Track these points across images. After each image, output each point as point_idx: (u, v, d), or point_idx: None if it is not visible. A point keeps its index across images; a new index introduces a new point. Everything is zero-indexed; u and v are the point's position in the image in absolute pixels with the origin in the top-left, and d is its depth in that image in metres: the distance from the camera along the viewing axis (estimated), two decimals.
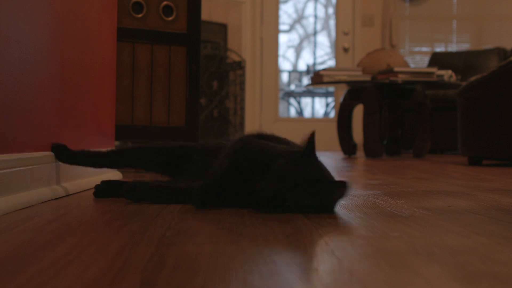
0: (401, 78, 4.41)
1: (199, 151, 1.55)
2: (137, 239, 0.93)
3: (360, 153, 5.53)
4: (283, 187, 1.23)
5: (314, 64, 7.70)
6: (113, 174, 2.10)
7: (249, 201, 1.30)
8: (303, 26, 8.09)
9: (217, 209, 1.32)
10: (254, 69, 7.00)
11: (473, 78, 3.64)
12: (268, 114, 7.08)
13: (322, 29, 7.61)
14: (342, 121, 5.00)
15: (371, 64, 4.74)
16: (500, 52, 6.19)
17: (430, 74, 4.51)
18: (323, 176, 1.26)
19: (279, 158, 1.27)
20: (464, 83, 3.86)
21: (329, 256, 0.82)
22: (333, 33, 7.35)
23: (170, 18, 2.53)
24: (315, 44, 7.67)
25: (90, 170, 1.85)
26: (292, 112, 8.76)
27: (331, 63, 7.51)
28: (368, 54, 4.90)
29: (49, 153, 1.51)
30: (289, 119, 7.90)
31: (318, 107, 8.91)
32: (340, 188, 1.25)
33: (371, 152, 4.59)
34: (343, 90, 6.26)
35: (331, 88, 7.26)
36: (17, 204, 1.26)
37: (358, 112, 6.30)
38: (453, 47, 7.08)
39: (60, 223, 1.10)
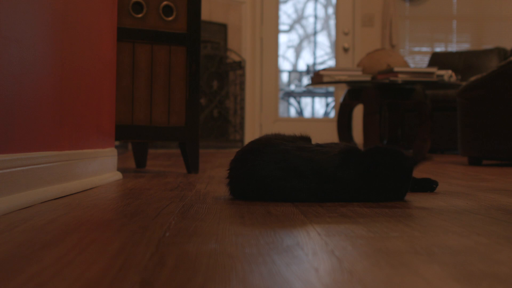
0: (401, 78, 4.41)
1: None
2: (137, 239, 0.93)
3: None
4: None
5: (314, 64, 7.70)
6: (113, 174, 2.10)
7: None
8: (303, 26, 8.09)
9: (218, 209, 1.32)
10: (254, 69, 7.00)
11: (473, 78, 3.64)
12: (268, 114, 7.08)
13: (322, 29, 7.61)
14: (342, 121, 5.00)
15: (371, 64, 4.74)
16: (500, 52, 6.18)
17: (430, 74, 4.51)
18: None
19: None
20: (464, 83, 3.86)
21: (329, 256, 0.82)
22: (333, 33, 7.35)
23: (170, 18, 2.53)
24: (315, 44, 7.67)
25: (90, 170, 1.85)
26: (292, 112, 8.76)
27: (331, 63, 7.51)
28: (368, 54, 4.90)
29: (49, 153, 1.51)
30: (289, 119, 7.90)
31: (318, 107, 8.92)
32: None
33: None
34: (343, 90, 6.26)
35: (331, 88, 7.26)
36: (17, 204, 1.26)
37: (358, 112, 6.30)
38: (453, 47, 7.08)
39: (60, 223, 1.10)
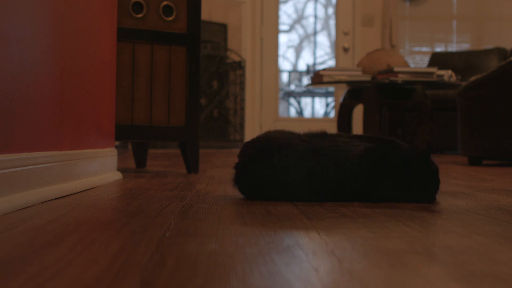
0: (401, 78, 4.41)
1: None
2: (137, 239, 0.93)
3: None
4: None
5: (314, 64, 7.70)
6: (113, 174, 2.10)
7: None
8: (303, 26, 8.09)
9: (218, 209, 1.32)
10: (254, 69, 7.00)
11: (473, 78, 3.64)
12: (268, 114, 7.08)
13: (322, 29, 7.61)
14: (342, 121, 5.00)
15: (371, 64, 4.74)
16: (500, 52, 6.18)
17: (430, 74, 4.51)
18: None
19: None
20: (464, 83, 3.86)
21: (329, 256, 0.82)
22: (333, 33, 7.35)
23: (170, 18, 2.53)
24: (315, 44, 7.67)
25: (90, 170, 1.85)
26: (292, 112, 8.76)
27: (331, 63, 7.50)
28: (368, 54, 4.90)
29: (49, 153, 1.51)
30: (289, 119, 7.90)
31: (318, 107, 8.92)
32: None
33: None
34: (343, 90, 6.26)
35: (331, 88, 7.26)
36: (17, 204, 1.26)
37: (358, 112, 6.30)
38: (453, 47, 7.08)
39: (60, 223, 1.10)
